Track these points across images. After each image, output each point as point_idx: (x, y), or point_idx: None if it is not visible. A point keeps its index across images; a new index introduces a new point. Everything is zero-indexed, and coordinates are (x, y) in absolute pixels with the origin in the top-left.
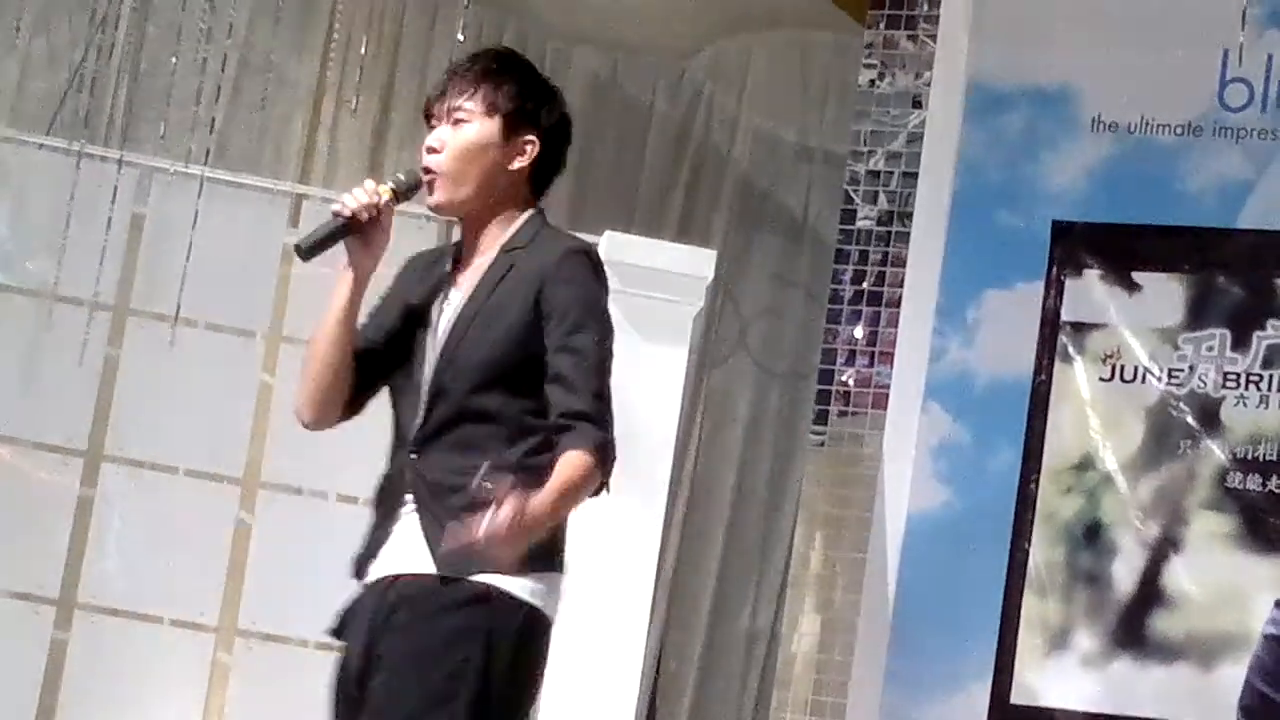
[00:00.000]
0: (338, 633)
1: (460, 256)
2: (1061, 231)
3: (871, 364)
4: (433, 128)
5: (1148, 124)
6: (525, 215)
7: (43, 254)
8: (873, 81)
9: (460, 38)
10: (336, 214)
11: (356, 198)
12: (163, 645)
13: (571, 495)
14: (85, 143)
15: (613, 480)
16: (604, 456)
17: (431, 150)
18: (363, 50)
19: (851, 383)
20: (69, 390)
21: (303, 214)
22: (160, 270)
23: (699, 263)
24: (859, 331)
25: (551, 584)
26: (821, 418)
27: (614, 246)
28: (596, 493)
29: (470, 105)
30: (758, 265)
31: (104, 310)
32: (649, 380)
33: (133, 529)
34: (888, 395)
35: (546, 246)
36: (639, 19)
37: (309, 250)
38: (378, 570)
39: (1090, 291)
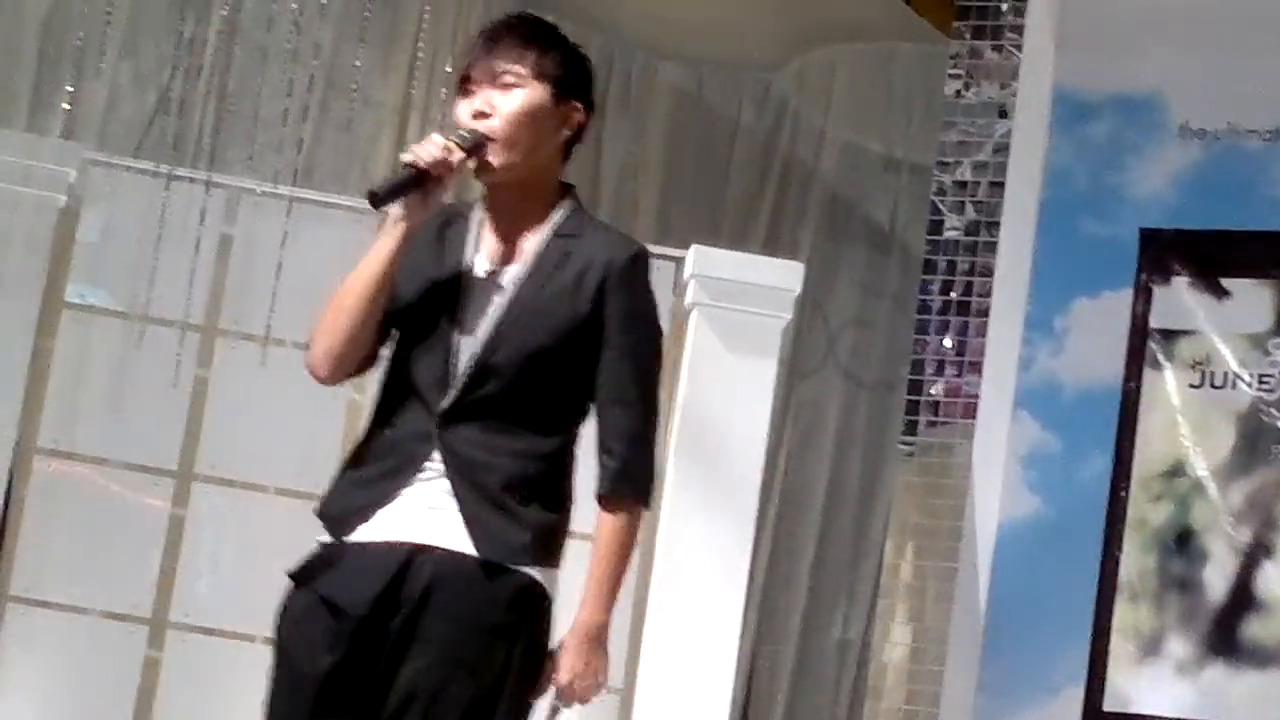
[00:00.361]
0: (301, 580)
1: (490, 225)
2: (1149, 239)
3: (960, 374)
4: (470, 94)
5: (1235, 130)
6: (568, 198)
7: (133, 275)
8: (958, 92)
9: None
10: (409, 165)
11: (430, 152)
12: (255, 664)
13: (630, 553)
14: (173, 165)
15: (704, 493)
16: (648, 494)
17: (482, 115)
18: (448, 68)
19: (941, 393)
20: (160, 411)
21: None
22: (249, 291)
23: (787, 275)
24: (948, 341)
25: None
26: (911, 428)
27: (702, 260)
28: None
29: (521, 69)
30: (845, 277)
31: (194, 331)
32: (739, 393)
33: (224, 548)
34: (977, 405)
35: (604, 240)
36: (724, 33)
37: (383, 198)
38: (379, 533)
39: (1179, 298)
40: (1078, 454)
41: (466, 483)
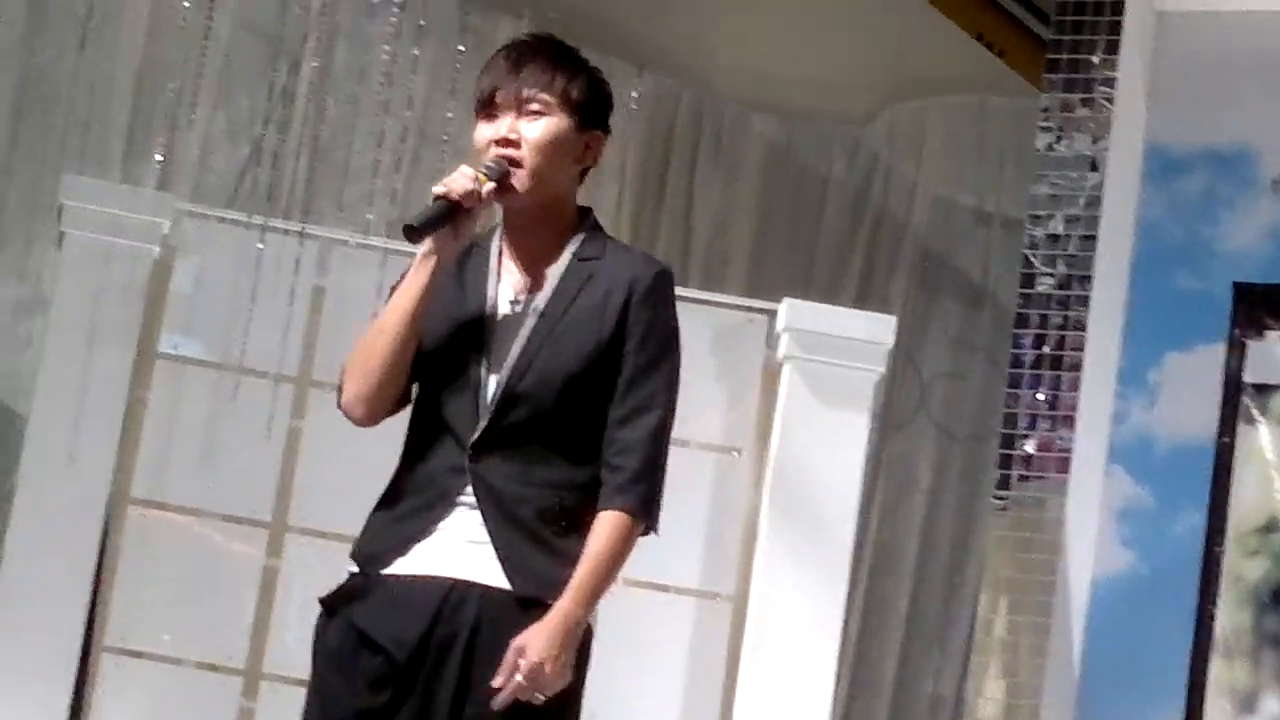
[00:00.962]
0: (334, 608)
1: (510, 254)
2: (1243, 293)
3: (1053, 428)
4: (493, 116)
5: None
6: (587, 221)
7: (226, 326)
8: (1050, 145)
9: (634, 106)
10: (442, 197)
11: (461, 183)
12: None
13: (619, 561)
14: (266, 216)
15: (797, 546)
16: (648, 510)
17: (509, 142)
18: None
19: (1033, 447)
20: (253, 462)
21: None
22: (342, 342)
23: (879, 329)
24: (1040, 395)
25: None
26: (1004, 482)
27: (794, 313)
28: (644, 533)
29: (547, 97)
30: (938, 330)
31: (287, 382)
32: (831, 447)
33: (317, 600)
34: (1070, 459)
35: (627, 260)
36: (814, 87)
37: (419, 231)
38: (416, 566)
39: (1273, 352)
40: (1171, 509)
41: (500, 515)
